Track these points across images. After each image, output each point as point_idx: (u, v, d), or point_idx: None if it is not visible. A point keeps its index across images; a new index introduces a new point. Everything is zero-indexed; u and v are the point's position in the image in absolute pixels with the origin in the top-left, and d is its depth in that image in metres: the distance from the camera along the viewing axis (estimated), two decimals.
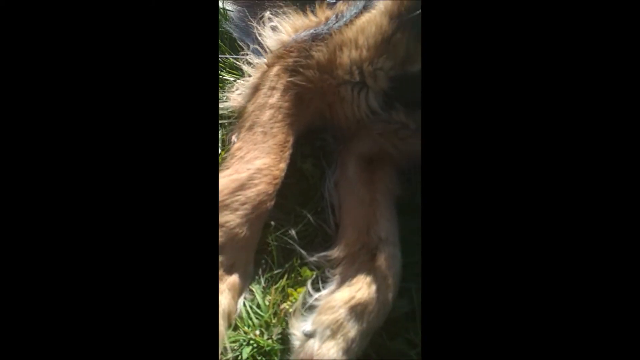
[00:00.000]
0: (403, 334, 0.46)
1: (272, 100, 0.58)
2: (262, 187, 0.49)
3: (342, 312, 0.41)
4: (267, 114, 0.56)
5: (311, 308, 0.44)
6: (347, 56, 0.58)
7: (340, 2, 0.67)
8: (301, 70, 0.59)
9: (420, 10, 0.54)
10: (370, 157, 0.61)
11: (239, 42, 0.76)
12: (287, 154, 0.55)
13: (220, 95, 0.65)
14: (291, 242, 0.52)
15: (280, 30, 0.65)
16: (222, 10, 0.83)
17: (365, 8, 0.61)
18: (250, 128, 0.56)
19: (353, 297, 0.42)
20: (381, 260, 0.46)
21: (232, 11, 0.84)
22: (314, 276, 0.48)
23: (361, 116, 0.60)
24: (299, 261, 0.50)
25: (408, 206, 0.59)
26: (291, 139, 0.56)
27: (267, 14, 0.68)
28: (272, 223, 0.53)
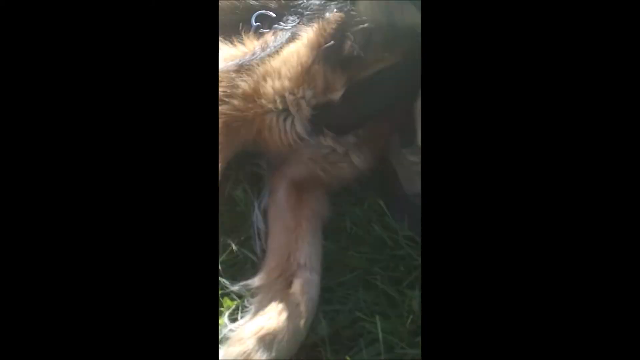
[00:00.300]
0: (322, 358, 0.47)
1: None
2: None
3: (250, 344, 0.41)
4: None
5: (226, 339, 0.44)
6: (270, 86, 0.59)
7: (268, 32, 0.69)
8: (227, 100, 0.60)
9: (333, 42, 0.57)
10: (300, 182, 0.63)
11: None
12: None
13: None
14: None
15: None
16: None
17: (289, 39, 0.64)
18: None
19: (262, 327, 0.42)
20: (296, 287, 0.46)
21: None
22: (234, 306, 0.48)
23: (289, 142, 0.62)
24: (221, 291, 0.51)
25: (337, 228, 0.61)
26: (218, 166, 0.57)
27: None
28: None
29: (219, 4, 0.60)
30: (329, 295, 0.53)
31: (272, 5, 0.77)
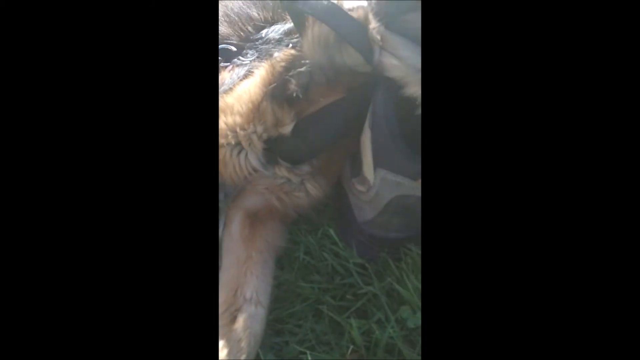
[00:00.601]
0: None
1: None
2: None
3: None
4: None
5: None
6: (223, 122, 0.62)
7: (228, 66, 0.72)
8: None
9: (275, 84, 0.59)
10: (256, 213, 0.65)
11: None
12: None
13: None
14: None
15: None
16: None
17: (244, 76, 0.67)
18: None
19: None
20: (239, 322, 0.48)
21: None
22: None
23: (245, 175, 0.64)
24: None
25: (292, 257, 0.63)
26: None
27: None
28: None
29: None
30: (281, 326, 0.54)
31: (234, 39, 0.80)
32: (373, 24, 0.54)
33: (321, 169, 0.67)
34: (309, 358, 0.46)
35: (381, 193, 0.57)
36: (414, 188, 0.55)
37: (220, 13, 0.86)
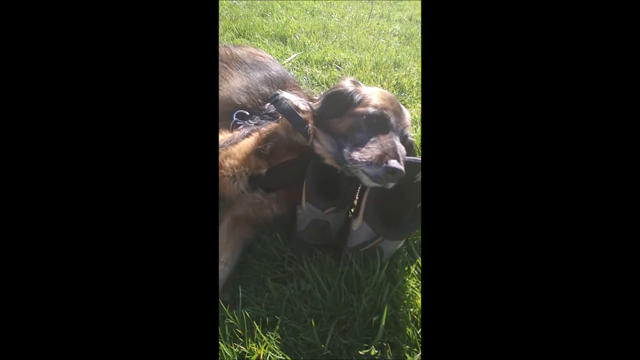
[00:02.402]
0: None
1: None
2: None
3: None
4: None
5: None
6: (228, 162, 1.07)
7: (240, 125, 1.18)
8: None
9: (259, 146, 1.04)
10: (239, 217, 1.08)
11: None
12: None
13: None
14: None
15: None
16: None
17: (245, 136, 1.12)
18: None
19: None
20: (223, 268, 0.91)
21: None
22: None
23: (236, 194, 1.08)
24: None
25: (253, 246, 1.05)
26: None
27: None
28: None
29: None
30: (237, 282, 0.96)
31: (249, 105, 1.27)
32: (311, 123, 0.97)
33: (284, 196, 1.09)
34: (240, 294, 0.87)
35: (307, 216, 0.99)
36: (323, 215, 0.96)
37: (244, 84, 1.35)
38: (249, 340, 0.76)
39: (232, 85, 1.39)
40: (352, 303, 0.85)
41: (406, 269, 0.97)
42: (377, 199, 0.91)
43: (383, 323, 0.79)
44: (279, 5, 3.50)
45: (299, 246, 1.02)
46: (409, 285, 0.92)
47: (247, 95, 1.33)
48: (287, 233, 1.06)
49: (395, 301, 0.86)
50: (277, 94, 1.04)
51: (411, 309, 0.86)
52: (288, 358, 0.74)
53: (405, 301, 0.87)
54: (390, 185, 0.84)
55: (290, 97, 1.04)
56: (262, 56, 1.58)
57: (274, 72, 1.41)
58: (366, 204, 0.92)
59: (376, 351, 0.76)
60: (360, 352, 0.76)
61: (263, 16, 3.09)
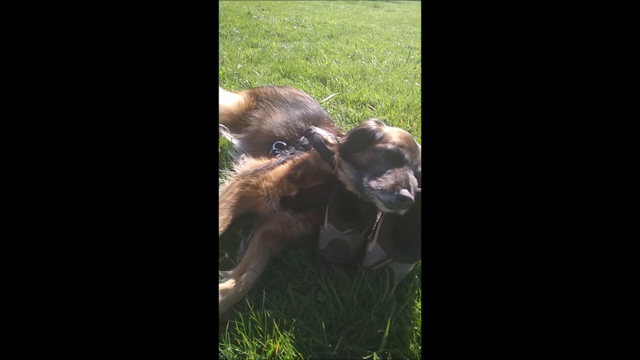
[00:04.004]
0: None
1: (228, 197, 1.25)
2: None
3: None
4: (222, 205, 1.23)
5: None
6: (264, 184, 1.25)
7: (278, 154, 1.37)
8: (246, 186, 1.26)
9: (292, 172, 1.21)
10: (269, 232, 1.23)
11: (230, 159, 1.49)
12: (225, 225, 1.19)
13: None
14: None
15: (245, 163, 1.37)
16: (228, 141, 1.60)
17: (281, 162, 1.30)
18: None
19: (225, 288, 1.00)
20: (243, 276, 1.05)
21: (234, 144, 1.60)
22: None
23: (269, 211, 1.25)
24: None
25: (279, 259, 1.19)
26: (231, 217, 1.21)
27: (243, 155, 1.41)
28: None
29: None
30: (262, 287, 1.09)
31: (287, 138, 1.47)
32: (336, 154, 1.13)
33: (309, 217, 1.24)
34: (264, 297, 1.00)
35: (328, 235, 1.12)
36: (342, 235, 1.08)
37: (284, 119, 1.56)
38: (267, 336, 0.88)
39: (274, 120, 1.61)
40: (362, 316, 0.94)
41: (416, 292, 1.05)
42: (391, 224, 1.03)
43: (386, 334, 0.87)
44: (323, 50, 3.85)
45: (319, 262, 1.14)
46: (417, 306, 1.00)
47: (286, 129, 1.53)
48: (310, 250, 1.19)
49: (401, 318, 0.94)
50: (311, 129, 1.22)
51: (415, 327, 0.93)
52: (300, 354, 0.85)
53: (411, 320, 0.95)
54: (402, 211, 0.96)
55: (321, 132, 1.21)
56: (302, 96, 1.80)
57: (310, 110, 1.62)
58: (380, 228, 1.04)
59: (378, 358, 0.84)
60: (364, 358, 0.84)
61: (307, 59, 3.42)
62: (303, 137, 1.38)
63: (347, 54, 3.89)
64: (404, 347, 0.89)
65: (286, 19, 6.14)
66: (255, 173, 1.29)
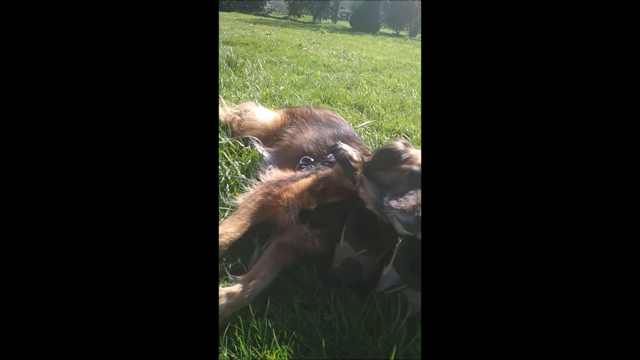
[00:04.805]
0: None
1: (249, 204, 1.26)
2: (221, 240, 1.13)
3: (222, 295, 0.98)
4: (243, 210, 1.24)
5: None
6: (285, 195, 1.25)
7: (303, 168, 1.38)
8: (268, 195, 1.27)
9: (313, 185, 1.20)
10: (285, 243, 1.22)
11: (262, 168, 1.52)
12: (243, 230, 1.19)
13: (233, 194, 1.38)
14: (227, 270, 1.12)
15: (270, 174, 1.39)
16: (259, 153, 1.64)
17: (305, 176, 1.30)
18: (235, 213, 1.24)
19: (231, 292, 0.99)
20: (252, 282, 1.03)
21: (265, 156, 1.64)
22: (226, 284, 1.07)
23: (287, 223, 1.24)
24: (224, 277, 1.10)
25: (291, 274, 1.16)
26: (249, 224, 1.22)
27: (270, 166, 1.44)
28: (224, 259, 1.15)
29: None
30: (268, 298, 1.06)
31: (315, 154, 1.48)
32: (360, 171, 1.12)
33: (326, 234, 1.21)
34: (268, 307, 0.96)
35: (342, 253, 1.08)
36: (356, 255, 1.04)
37: (315, 136, 1.58)
38: (265, 347, 0.84)
39: (305, 136, 1.63)
40: (367, 342, 0.88)
41: None
42: (409, 249, 0.97)
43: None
44: (365, 81, 3.94)
45: (331, 281, 1.09)
46: None
47: (315, 146, 1.55)
48: (323, 267, 1.15)
49: (410, 351, 0.86)
50: (337, 145, 1.22)
51: None
52: None
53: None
54: (420, 235, 0.91)
55: (347, 148, 1.21)
56: (336, 117, 1.83)
57: (342, 131, 1.63)
58: (397, 252, 0.98)
59: None
60: None
61: (349, 89, 3.50)
62: (330, 155, 1.38)
63: (389, 87, 3.94)
64: None
65: (334, 52, 6.42)
66: (278, 183, 1.30)
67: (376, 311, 0.94)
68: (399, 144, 1.15)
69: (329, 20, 22.58)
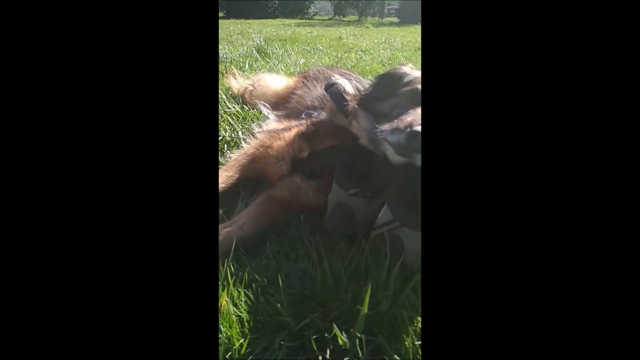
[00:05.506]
0: None
1: (239, 157, 1.16)
2: None
3: None
4: (231, 162, 1.14)
5: None
6: (276, 143, 1.12)
7: (302, 120, 1.24)
8: (260, 147, 1.16)
9: (303, 130, 1.05)
10: (275, 197, 1.09)
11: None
12: (229, 182, 1.09)
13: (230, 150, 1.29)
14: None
15: (266, 125, 1.27)
16: (265, 115, 1.54)
17: (297, 127, 1.16)
18: (223, 166, 1.15)
19: None
20: (226, 230, 0.91)
21: (270, 119, 1.53)
22: None
23: (278, 175, 1.10)
24: None
25: (280, 227, 1.02)
26: (237, 175, 1.11)
27: (267, 121, 1.32)
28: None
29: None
30: (251, 250, 0.93)
31: (319, 109, 1.33)
32: (353, 103, 0.94)
33: (321, 187, 1.05)
34: (233, 251, 0.83)
35: (332, 199, 0.91)
36: (346, 197, 0.87)
37: (323, 92, 1.43)
38: (221, 290, 0.72)
39: (312, 94, 1.49)
40: (348, 292, 0.70)
41: None
42: (403, 182, 0.78)
43: (365, 311, 0.62)
44: (403, 58, 3.68)
45: (323, 234, 0.94)
46: None
47: (320, 102, 1.40)
48: (314, 219, 0.99)
49: (405, 304, 0.67)
50: (332, 79, 1.06)
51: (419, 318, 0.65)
52: (245, 316, 0.66)
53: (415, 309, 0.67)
54: (417, 158, 0.72)
55: (343, 82, 1.04)
56: (351, 74, 1.66)
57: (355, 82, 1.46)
58: (390, 187, 0.80)
59: (345, 336, 0.59)
60: (326, 335, 0.60)
61: (383, 64, 3.28)
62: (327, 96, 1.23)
63: None
64: (396, 341, 0.61)
65: (375, 40, 6.19)
66: (271, 134, 1.17)
67: (364, 258, 0.76)
68: (405, 67, 0.96)
69: (376, 18, 22.18)
